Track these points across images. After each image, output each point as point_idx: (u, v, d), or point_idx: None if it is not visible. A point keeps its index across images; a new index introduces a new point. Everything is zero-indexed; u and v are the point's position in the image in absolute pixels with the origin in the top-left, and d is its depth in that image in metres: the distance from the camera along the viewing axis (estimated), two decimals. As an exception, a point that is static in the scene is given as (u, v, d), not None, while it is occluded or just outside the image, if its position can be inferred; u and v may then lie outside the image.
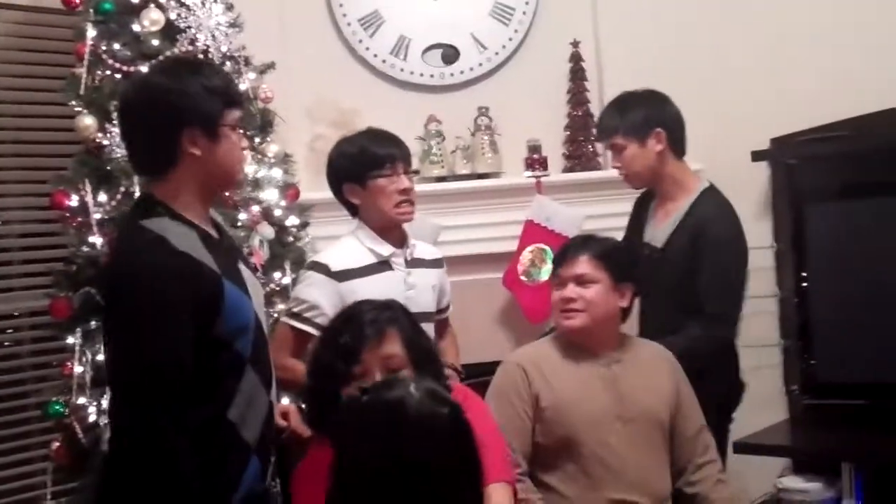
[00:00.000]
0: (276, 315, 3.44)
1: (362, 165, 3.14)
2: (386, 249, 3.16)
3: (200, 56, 3.51)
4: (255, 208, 3.59)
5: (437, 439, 1.95)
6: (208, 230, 2.43)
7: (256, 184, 3.62)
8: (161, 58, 3.41)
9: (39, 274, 3.88)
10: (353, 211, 3.25)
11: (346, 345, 2.45)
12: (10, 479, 4.01)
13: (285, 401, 2.98)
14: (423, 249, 3.32)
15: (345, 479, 1.99)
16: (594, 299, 2.96)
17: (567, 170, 4.76)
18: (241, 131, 2.50)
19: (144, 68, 3.40)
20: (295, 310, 3.11)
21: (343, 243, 3.23)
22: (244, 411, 2.37)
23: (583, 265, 2.98)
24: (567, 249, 3.07)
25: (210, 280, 2.30)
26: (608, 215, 4.57)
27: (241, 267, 2.50)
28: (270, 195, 3.66)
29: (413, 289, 3.16)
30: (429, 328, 3.09)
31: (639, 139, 3.46)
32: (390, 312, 2.53)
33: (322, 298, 3.06)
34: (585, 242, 3.06)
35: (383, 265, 3.16)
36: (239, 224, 3.51)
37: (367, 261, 3.14)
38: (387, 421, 1.96)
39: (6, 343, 4.14)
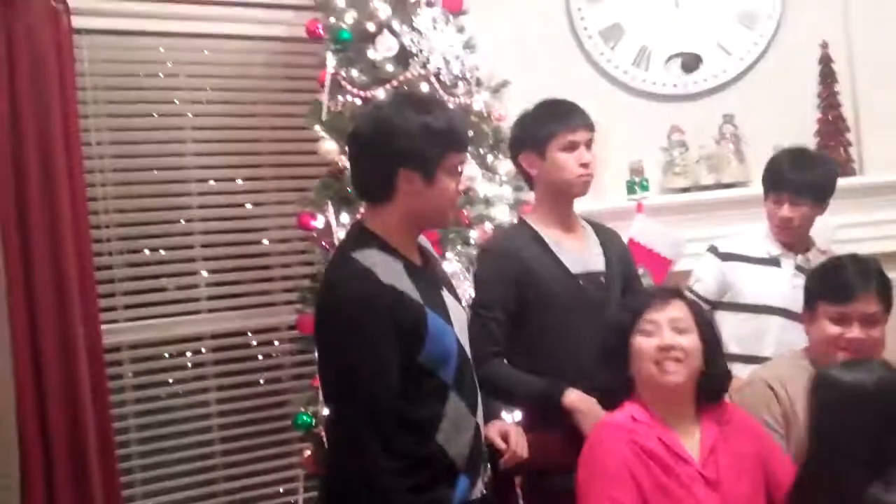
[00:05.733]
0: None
1: (766, 182, 3.58)
2: (776, 250, 3.54)
3: (432, 78, 3.63)
4: (487, 226, 3.66)
5: None
6: (413, 260, 2.51)
7: (488, 202, 3.69)
8: (394, 84, 3.56)
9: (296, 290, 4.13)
10: None
11: (632, 305, 2.75)
12: (271, 483, 4.31)
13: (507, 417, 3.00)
14: None
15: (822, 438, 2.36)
16: (880, 338, 2.81)
17: (819, 177, 4.55)
18: (460, 171, 2.55)
19: (380, 93, 3.56)
20: (689, 284, 3.66)
21: (747, 233, 3.68)
22: (451, 434, 2.43)
23: (872, 303, 2.81)
24: (851, 284, 2.83)
25: (413, 310, 2.38)
26: (865, 224, 4.38)
27: (445, 294, 2.56)
28: (501, 213, 3.71)
29: (797, 290, 3.23)
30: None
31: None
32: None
33: (704, 272, 3.65)
34: (867, 275, 2.85)
35: (773, 261, 3.54)
36: (471, 242, 3.59)
37: (759, 253, 3.56)
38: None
39: (273, 354, 4.44)
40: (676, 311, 2.66)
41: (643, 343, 2.62)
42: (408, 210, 2.46)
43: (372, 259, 2.40)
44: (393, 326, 2.34)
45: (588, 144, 3.08)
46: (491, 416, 2.73)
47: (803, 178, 3.45)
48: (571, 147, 3.04)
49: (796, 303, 3.27)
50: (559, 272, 3.02)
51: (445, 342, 2.44)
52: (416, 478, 2.36)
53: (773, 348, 3.41)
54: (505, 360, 2.95)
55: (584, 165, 3.05)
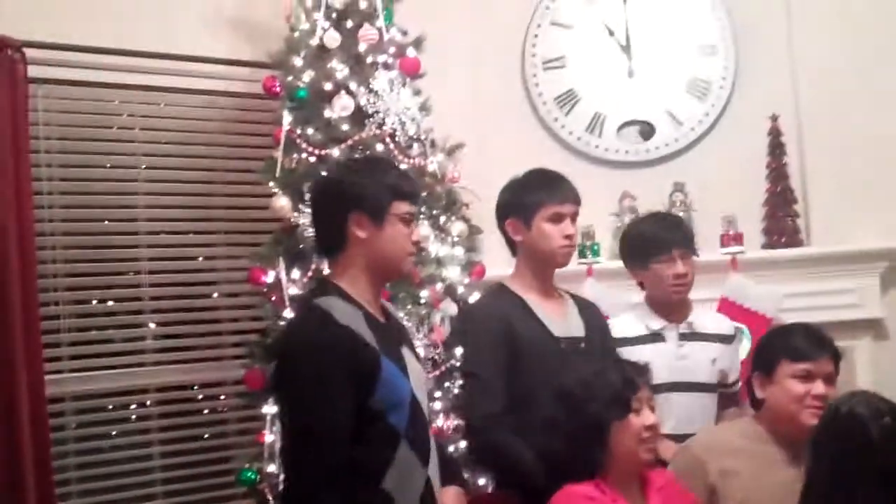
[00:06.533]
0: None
1: (646, 251, 3.41)
2: (657, 324, 3.42)
3: (388, 139, 3.66)
4: (439, 286, 3.67)
5: None
6: (375, 314, 2.56)
7: (439, 262, 3.71)
8: (350, 143, 3.58)
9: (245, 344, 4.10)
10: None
11: (629, 378, 2.72)
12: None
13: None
14: (709, 323, 3.46)
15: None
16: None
17: (766, 246, 4.65)
18: (412, 223, 2.61)
19: (335, 152, 3.57)
20: None
21: (624, 316, 3.55)
22: (400, 482, 2.45)
23: (830, 364, 2.91)
24: (814, 343, 2.93)
25: (368, 353, 2.43)
26: (809, 294, 4.44)
27: (405, 352, 2.61)
28: (453, 273, 3.73)
29: (685, 359, 3.38)
30: (706, 399, 3.40)
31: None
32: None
33: None
34: (823, 337, 2.96)
35: (656, 336, 3.42)
36: (422, 301, 3.59)
37: (640, 332, 3.42)
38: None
39: (219, 409, 4.39)
40: (650, 389, 2.75)
41: (636, 421, 2.66)
42: (363, 257, 2.54)
43: (331, 303, 2.47)
44: (349, 368, 2.39)
45: (573, 217, 3.17)
46: (451, 476, 2.74)
47: (683, 234, 3.49)
48: (558, 219, 3.12)
49: (684, 372, 3.38)
50: (543, 334, 3.10)
51: (399, 390, 2.48)
52: None
53: (673, 423, 3.30)
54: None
55: (568, 237, 3.13)
